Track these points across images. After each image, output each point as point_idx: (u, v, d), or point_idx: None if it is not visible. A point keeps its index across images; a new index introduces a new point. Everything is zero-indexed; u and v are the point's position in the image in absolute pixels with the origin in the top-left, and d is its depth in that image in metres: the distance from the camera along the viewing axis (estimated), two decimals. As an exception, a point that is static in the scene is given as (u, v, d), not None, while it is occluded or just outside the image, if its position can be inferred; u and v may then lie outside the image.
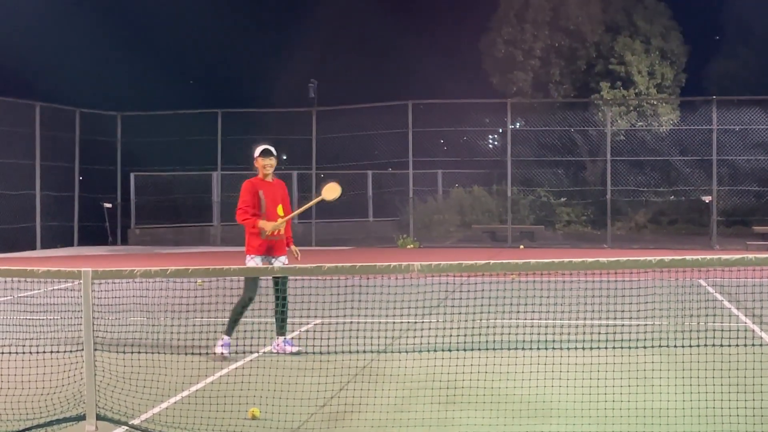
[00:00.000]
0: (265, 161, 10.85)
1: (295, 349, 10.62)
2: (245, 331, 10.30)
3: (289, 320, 10.79)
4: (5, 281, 14.58)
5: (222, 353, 10.32)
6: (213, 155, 33.44)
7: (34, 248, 30.57)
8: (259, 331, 10.22)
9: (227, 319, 10.52)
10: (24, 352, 9.17)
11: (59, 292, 15.10)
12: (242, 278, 10.72)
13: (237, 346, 10.33)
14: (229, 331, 10.47)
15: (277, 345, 10.63)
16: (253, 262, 10.62)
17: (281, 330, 10.67)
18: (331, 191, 10.86)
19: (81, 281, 7.31)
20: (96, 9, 42.39)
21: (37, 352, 9.07)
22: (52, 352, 9.06)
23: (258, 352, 10.33)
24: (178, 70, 44.15)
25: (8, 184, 29.71)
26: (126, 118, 35.08)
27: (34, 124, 30.96)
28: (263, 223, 10.59)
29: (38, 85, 39.52)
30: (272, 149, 10.94)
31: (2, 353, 9.37)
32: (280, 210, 10.85)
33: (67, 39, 44.07)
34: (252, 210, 10.70)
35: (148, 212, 34.14)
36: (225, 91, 42.80)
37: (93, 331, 7.35)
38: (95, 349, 7.42)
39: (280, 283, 10.42)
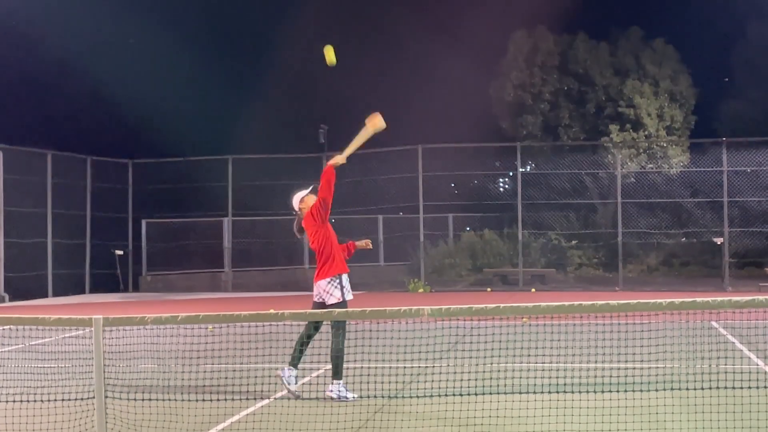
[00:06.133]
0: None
1: (335, 395, 10.06)
2: (256, 377, 10.28)
3: (300, 365, 10.57)
4: (17, 329, 14.64)
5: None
6: (224, 201, 33.54)
7: (45, 296, 30.61)
8: (270, 377, 10.19)
9: (237, 366, 10.42)
10: (35, 401, 9.18)
11: (70, 340, 15.11)
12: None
13: (248, 392, 10.27)
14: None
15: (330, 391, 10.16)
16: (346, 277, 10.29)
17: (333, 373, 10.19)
18: (375, 120, 11.01)
19: (92, 328, 7.33)
20: (96, 56, 42.84)
21: (49, 400, 9.07)
22: (63, 400, 9.06)
23: (270, 398, 10.27)
24: (189, 117, 44.39)
25: (20, 232, 29.83)
26: (137, 165, 35.29)
27: (46, 172, 31.16)
28: (336, 158, 11.02)
29: (49, 133, 39.77)
30: None
31: (14, 401, 9.36)
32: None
33: (78, 86, 44.41)
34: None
35: (159, 259, 34.18)
36: (235, 137, 42.92)
37: (104, 378, 7.35)
38: (106, 397, 7.42)
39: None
